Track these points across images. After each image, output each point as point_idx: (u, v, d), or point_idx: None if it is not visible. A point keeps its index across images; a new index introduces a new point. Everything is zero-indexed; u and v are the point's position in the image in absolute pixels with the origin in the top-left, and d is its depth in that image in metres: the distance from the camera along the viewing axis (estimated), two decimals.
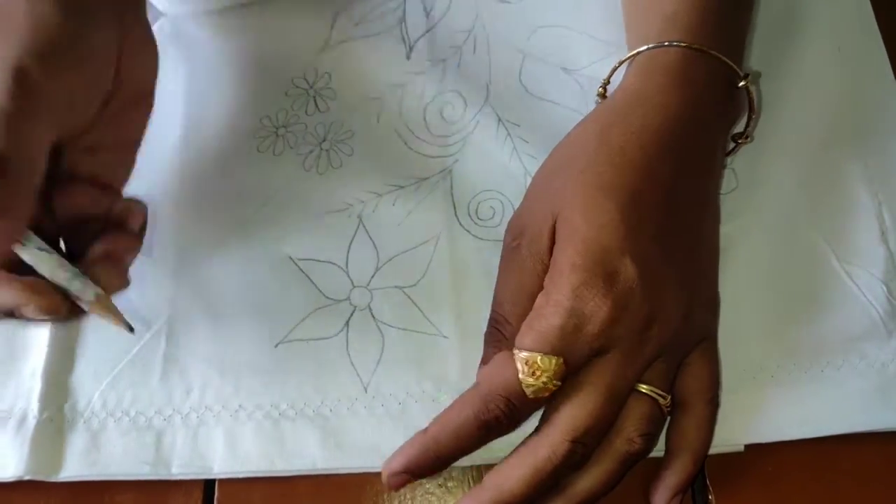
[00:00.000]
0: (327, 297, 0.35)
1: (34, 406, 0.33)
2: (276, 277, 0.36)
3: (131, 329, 0.31)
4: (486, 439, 0.29)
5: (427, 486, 0.33)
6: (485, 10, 0.41)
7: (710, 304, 0.33)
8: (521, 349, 0.28)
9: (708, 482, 0.32)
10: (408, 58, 0.40)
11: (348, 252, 0.36)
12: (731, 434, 0.32)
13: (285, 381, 0.34)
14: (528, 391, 0.28)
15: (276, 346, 0.34)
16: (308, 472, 0.32)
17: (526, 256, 0.31)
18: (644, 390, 0.29)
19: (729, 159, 0.37)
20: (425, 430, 0.29)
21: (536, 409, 0.29)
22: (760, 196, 0.36)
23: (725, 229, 0.35)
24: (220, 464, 0.32)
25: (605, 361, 0.29)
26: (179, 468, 0.32)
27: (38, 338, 0.35)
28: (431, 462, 0.29)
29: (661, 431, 0.31)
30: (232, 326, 0.35)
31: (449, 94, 0.39)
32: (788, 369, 0.33)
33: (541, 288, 0.30)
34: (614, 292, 0.28)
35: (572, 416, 0.28)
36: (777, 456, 0.32)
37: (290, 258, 0.36)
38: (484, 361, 0.31)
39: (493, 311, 0.32)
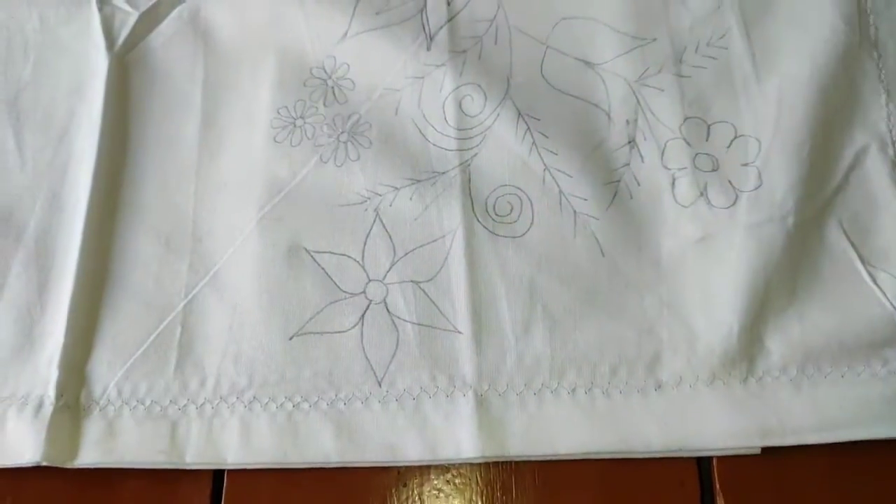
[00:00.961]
0: (343, 291, 0.35)
1: (51, 393, 0.33)
2: (292, 269, 0.35)
3: None
4: None
5: (435, 482, 0.33)
6: (507, 0, 0.41)
7: None
8: None
9: (717, 486, 0.32)
10: (428, 49, 0.40)
11: (364, 245, 0.36)
12: (748, 436, 0.32)
13: (300, 374, 0.34)
14: None
15: (291, 338, 0.34)
16: (321, 465, 0.32)
17: None
18: None
19: (752, 158, 0.36)
20: None
21: None
22: (784, 195, 0.35)
23: (749, 228, 0.34)
24: (234, 455, 0.32)
25: None
26: (194, 458, 0.32)
27: (56, 325, 0.35)
28: None
29: None
30: (247, 317, 0.35)
31: (469, 86, 0.39)
32: (808, 373, 0.33)
33: None
34: None
35: None
36: (789, 461, 0.32)
37: (306, 250, 0.36)
38: None
39: None
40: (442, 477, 0.33)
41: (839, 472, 0.32)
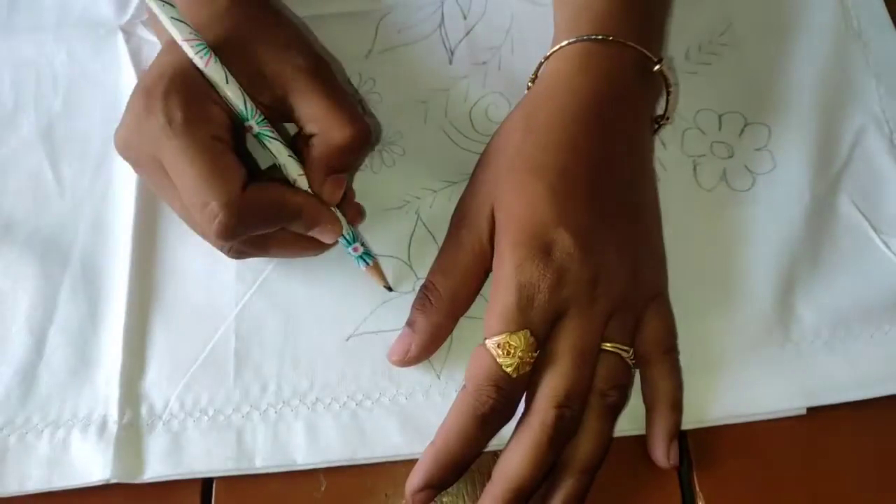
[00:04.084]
0: (394, 290, 0.36)
1: (113, 412, 0.34)
2: (341, 272, 0.36)
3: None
4: (489, 432, 0.31)
5: None
6: (519, 11, 0.43)
7: (657, 263, 0.35)
8: (490, 336, 0.31)
9: (698, 490, 0.33)
10: (450, 63, 0.42)
11: (409, 246, 0.37)
12: (792, 398, 0.33)
13: (359, 373, 0.34)
14: (510, 370, 0.30)
15: (348, 339, 0.35)
16: (391, 459, 0.33)
17: (464, 236, 0.34)
18: (608, 348, 0.32)
19: (764, 143, 0.39)
20: (433, 443, 0.31)
21: (523, 388, 0.31)
22: (798, 174, 0.38)
23: (769, 206, 0.37)
24: (303, 455, 0.33)
25: (565, 326, 0.31)
26: (263, 462, 0.33)
27: (111, 345, 0.35)
28: (447, 471, 0.30)
29: (631, 383, 0.33)
30: (301, 322, 0.36)
31: (492, 95, 0.41)
32: (840, 335, 0.35)
33: (474, 264, 0.33)
34: (554, 260, 0.31)
35: (551, 383, 0.30)
36: (761, 436, 0.33)
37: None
38: (409, 324, 0.34)
39: (426, 280, 0.34)
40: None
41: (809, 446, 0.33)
